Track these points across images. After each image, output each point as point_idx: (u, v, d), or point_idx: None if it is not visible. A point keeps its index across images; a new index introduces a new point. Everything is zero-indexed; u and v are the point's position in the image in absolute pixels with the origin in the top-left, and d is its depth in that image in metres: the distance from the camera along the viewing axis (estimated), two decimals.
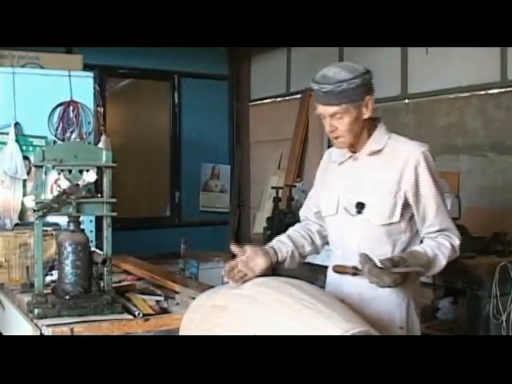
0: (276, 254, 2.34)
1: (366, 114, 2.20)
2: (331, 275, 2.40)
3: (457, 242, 2.24)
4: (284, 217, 4.78)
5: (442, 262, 2.21)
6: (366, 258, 2.07)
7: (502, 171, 4.20)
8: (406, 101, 4.86)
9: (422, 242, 2.28)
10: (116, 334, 2.29)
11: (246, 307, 1.94)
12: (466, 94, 4.44)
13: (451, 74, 4.55)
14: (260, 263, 2.24)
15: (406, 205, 2.23)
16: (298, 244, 2.44)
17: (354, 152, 2.30)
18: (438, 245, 2.21)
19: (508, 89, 4.17)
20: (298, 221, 2.62)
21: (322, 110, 2.20)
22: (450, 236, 2.24)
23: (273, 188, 5.68)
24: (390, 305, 2.25)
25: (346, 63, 2.27)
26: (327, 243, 2.50)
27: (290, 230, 2.53)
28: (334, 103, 2.15)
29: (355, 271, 2.19)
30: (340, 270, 2.29)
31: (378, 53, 4.77)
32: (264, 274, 2.21)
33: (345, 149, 2.31)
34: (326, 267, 2.50)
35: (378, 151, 2.25)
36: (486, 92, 4.31)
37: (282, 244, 2.40)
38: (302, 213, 2.60)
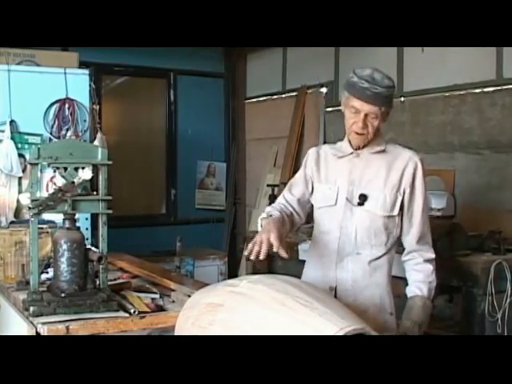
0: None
1: (383, 123, 2.38)
2: (315, 264, 2.52)
3: (432, 255, 2.48)
4: None
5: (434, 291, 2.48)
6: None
7: (497, 169, 4.21)
8: (402, 99, 4.86)
9: (405, 262, 2.50)
10: (112, 332, 2.29)
11: (242, 305, 1.94)
12: (462, 92, 4.45)
13: (447, 72, 4.55)
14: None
15: (402, 201, 2.41)
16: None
17: (356, 149, 2.45)
18: (424, 279, 2.45)
19: (503, 87, 4.17)
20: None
21: (363, 106, 2.30)
22: (425, 254, 2.46)
23: (268, 186, 5.68)
24: (382, 289, 2.42)
25: (380, 70, 2.35)
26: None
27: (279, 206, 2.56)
28: (378, 104, 2.30)
29: None
30: None
31: (374, 50, 4.76)
32: (260, 272, 2.23)
33: (346, 146, 2.47)
34: None
35: (382, 151, 2.44)
36: (481, 90, 4.32)
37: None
38: (283, 198, 2.62)
